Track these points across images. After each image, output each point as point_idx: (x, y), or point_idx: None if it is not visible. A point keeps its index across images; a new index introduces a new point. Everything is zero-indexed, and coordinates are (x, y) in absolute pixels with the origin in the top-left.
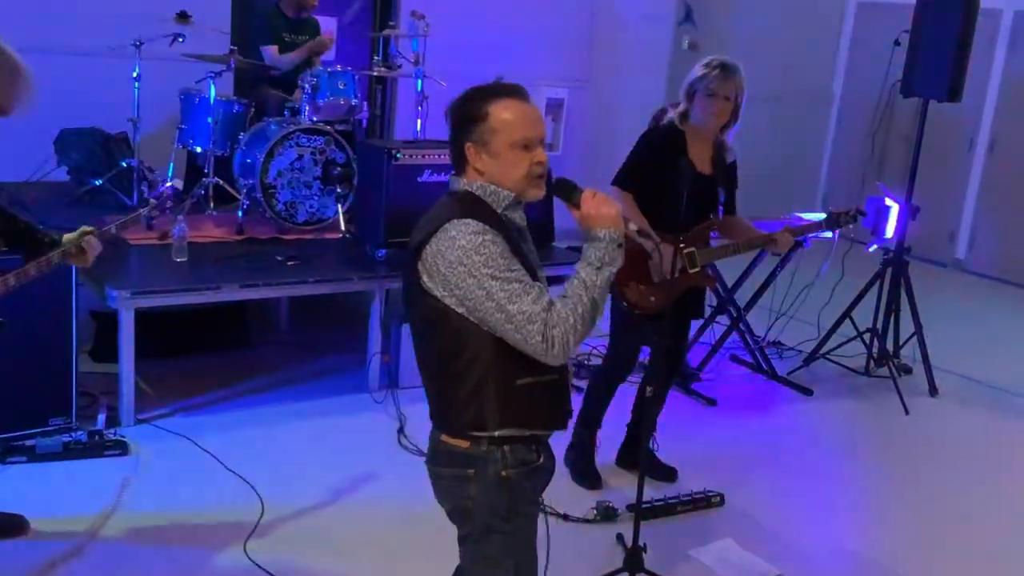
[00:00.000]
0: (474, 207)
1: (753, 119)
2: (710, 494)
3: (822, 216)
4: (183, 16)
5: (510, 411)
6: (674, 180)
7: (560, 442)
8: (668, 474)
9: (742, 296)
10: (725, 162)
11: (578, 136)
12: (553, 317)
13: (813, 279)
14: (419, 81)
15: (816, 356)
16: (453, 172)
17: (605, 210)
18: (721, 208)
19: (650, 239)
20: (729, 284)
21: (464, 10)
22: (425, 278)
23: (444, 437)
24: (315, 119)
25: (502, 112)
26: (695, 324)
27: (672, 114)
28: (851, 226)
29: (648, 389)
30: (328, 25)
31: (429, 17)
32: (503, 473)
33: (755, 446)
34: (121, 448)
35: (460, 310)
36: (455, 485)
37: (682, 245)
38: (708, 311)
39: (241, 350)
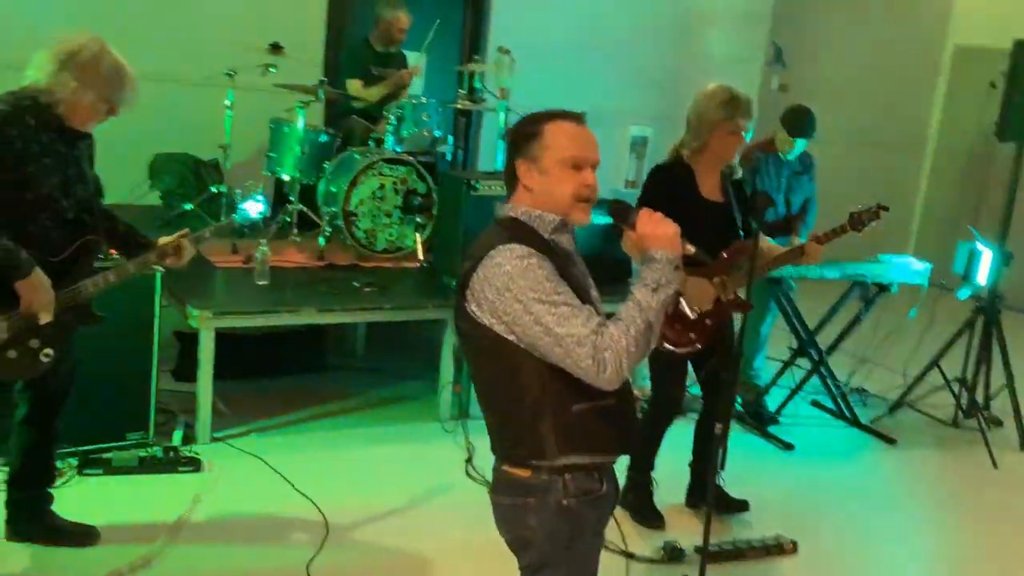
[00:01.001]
0: (519, 232)
1: (844, 162)
2: (783, 541)
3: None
4: (276, 47)
5: (568, 438)
6: (689, 215)
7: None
8: (739, 506)
9: (825, 340)
10: (732, 184)
11: None
12: (604, 339)
13: (900, 325)
14: (502, 115)
15: (901, 404)
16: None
17: (662, 230)
18: (741, 232)
19: (706, 258)
20: (811, 326)
21: (550, 47)
22: (473, 307)
23: (505, 467)
24: (398, 150)
25: (556, 130)
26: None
27: (672, 152)
28: (874, 224)
29: (718, 427)
30: (414, 59)
31: (517, 52)
32: (564, 502)
33: (832, 494)
34: (194, 465)
35: (510, 337)
36: (516, 514)
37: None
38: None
39: (317, 374)
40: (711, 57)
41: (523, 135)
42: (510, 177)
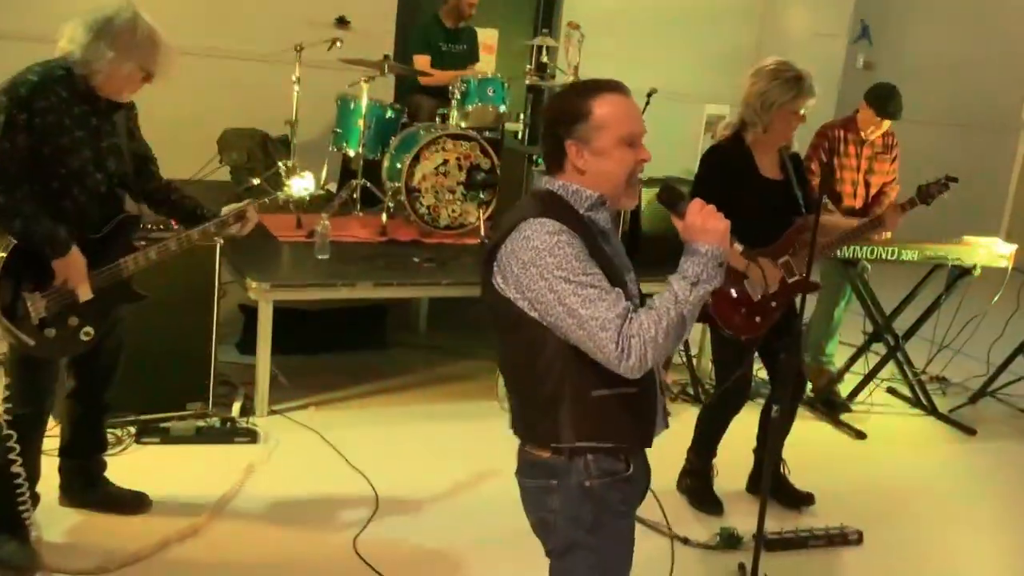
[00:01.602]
0: (554, 206)
1: (932, 143)
2: (847, 531)
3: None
4: (342, 22)
5: (584, 424)
6: (749, 195)
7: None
8: (803, 499)
9: (902, 325)
10: (792, 160)
11: None
12: (632, 326)
13: (983, 310)
14: None
15: (984, 394)
16: (543, 171)
17: (712, 223)
18: (804, 208)
19: (753, 261)
20: (887, 310)
21: (624, 22)
22: (499, 279)
23: (527, 447)
24: (463, 125)
25: (605, 107)
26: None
27: (727, 126)
28: (944, 195)
29: (775, 409)
30: (487, 36)
31: (589, 28)
32: (586, 483)
33: (905, 485)
34: (251, 436)
35: (533, 314)
36: (539, 497)
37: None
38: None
39: (379, 350)
40: (792, 33)
41: (569, 115)
42: (555, 155)
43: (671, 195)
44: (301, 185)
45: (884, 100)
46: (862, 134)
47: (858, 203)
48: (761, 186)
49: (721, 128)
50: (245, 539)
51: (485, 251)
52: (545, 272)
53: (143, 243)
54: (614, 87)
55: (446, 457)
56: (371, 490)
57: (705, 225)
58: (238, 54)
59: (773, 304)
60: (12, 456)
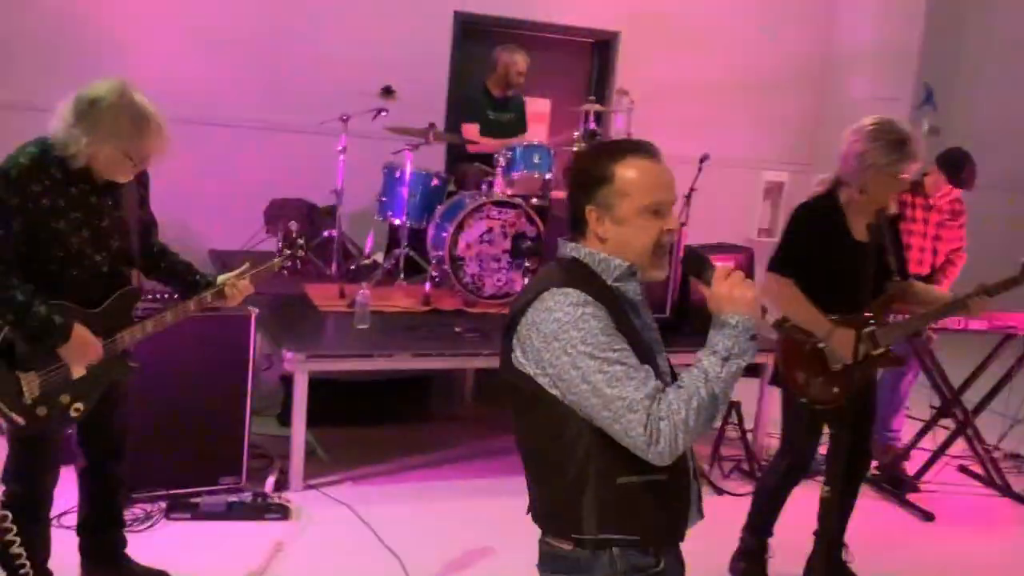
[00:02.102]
0: (579, 276)
1: (998, 210)
2: None
3: None
4: (388, 91)
5: (609, 513)
6: (840, 258)
7: (719, 546)
8: None
9: (972, 398)
10: (887, 222)
11: None
12: (661, 408)
13: None
14: None
15: None
16: (567, 238)
17: (739, 292)
18: (896, 275)
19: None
20: (956, 383)
21: (679, 90)
22: (518, 353)
23: (547, 538)
24: (508, 193)
25: (630, 172)
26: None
27: (821, 183)
28: None
29: (824, 489)
30: (540, 106)
31: (643, 96)
32: None
33: (977, 571)
34: (282, 512)
35: (554, 392)
36: None
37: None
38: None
39: (421, 422)
40: (854, 99)
41: (591, 178)
42: (576, 221)
43: (696, 263)
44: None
45: (957, 167)
46: (930, 200)
47: (924, 269)
48: (851, 249)
49: (815, 184)
50: None
51: (505, 322)
52: (569, 347)
53: (140, 316)
54: (642, 149)
55: (485, 537)
56: (402, 571)
57: (732, 294)
58: (285, 125)
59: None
60: (10, 537)
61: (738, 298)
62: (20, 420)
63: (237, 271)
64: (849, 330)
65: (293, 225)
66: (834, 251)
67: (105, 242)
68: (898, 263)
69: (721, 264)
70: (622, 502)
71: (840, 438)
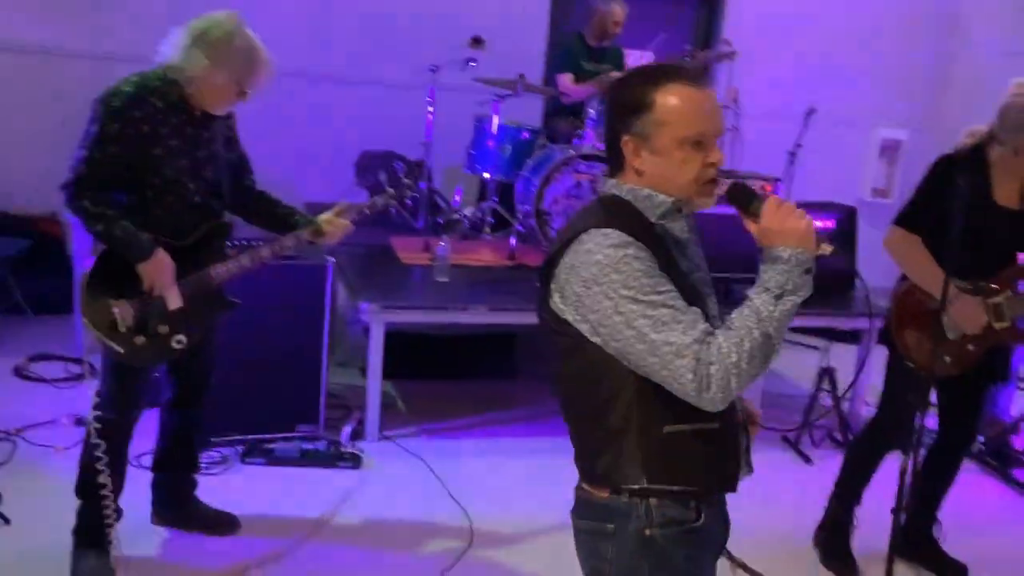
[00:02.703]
0: (621, 215)
1: None
2: None
3: None
4: (477, 41)
5: (654, 464)
6: (978, 220)
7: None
8: (956, 570)
9: None
10: None
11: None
12: (711, 351)
13: None
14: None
15: None
16: (606, 173)
17: (791, 223)
18: None
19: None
20: None
21: (790, 41)
22: (557, 298)
23: (584, 484)
24: (598, 146)
25: (670, 100)
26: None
27: (971, 134)
28: None
29: (904, 461)
30: (637, 59)
31: (753, 49)
32: (647, 532)
33: None
34: (354, 461)
35: (595, 339)
36: (593, 542)
37: (991, 296)
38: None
39: (505, 379)
40: (981, 52)
41: (628, 105)
42: (615, 153)
43: (742, 194)
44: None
45: None
46: None
47: None
48: (992, 212)
49: (964, 135)
50: (330, 566)
51: (542, 264)
52: (610, 291)
53: (234, 251)
54: (684, 75)
55: (550, 492)
56: (468, 522)
57: (785, 225)
58: (374, 79)
59: (970, 347)
60: (100, 466)
61: (790, 230)
62: (119, 348)
63: (335, 209)
64: (974, 299)
65: (383, 176)
66: (971, 212)
67: (200, 172)
68: None
69: (773, 196)
70: (670, 451)
71: (945, 408)
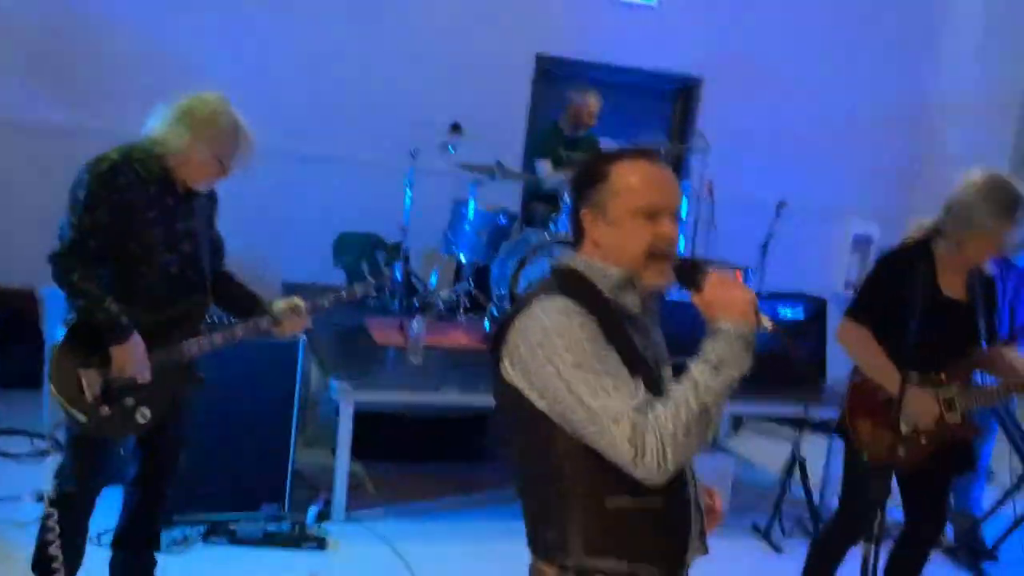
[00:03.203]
0: (572, 285)
1: None
2: None
3: None
4: (456, 128)
5: (597, 538)
6: (924, 312)
7: None
8: None
9: None
10: (982, 284)
11: None
12: (648, 420)
13: None
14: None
15: None
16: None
17: (735, 295)
18: (984, 341)
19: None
20: None
21: (765, 136)
22: (507, 363)
23: (535, 560)
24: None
25: (626, 173)
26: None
27: (919, 228)
28: None
29: (867, 546)
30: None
31: (728, 143)
32: None
33: None
34: (319, 543)
35: (540, 405)
36: None
37: (942, 389)
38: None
39: (476, 462)
40: (949, 150)
41: (587, 178)
42: (576, 227)
43: (688, 268)
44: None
45: None
46: (1006, 259)
47: (1002, 332)
48: (938, 304)
49: (912, 229)
50: None
51: (494, 332)
52: (554, 355)
53: (207, 328)
54: (642, 153)
55: None
56: None
57: (727, 296)
58: (355, 160)
59: (923, 441)
60: (50, 536)
61: (732, 302)
62: (81, 417)
63: (289, 300)
64: (926, 392)
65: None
66: (919, 304)
67: (176, 244)
68: (988, 327)
69: (716, 271)
70: (612, 527)
71: (910, 501)
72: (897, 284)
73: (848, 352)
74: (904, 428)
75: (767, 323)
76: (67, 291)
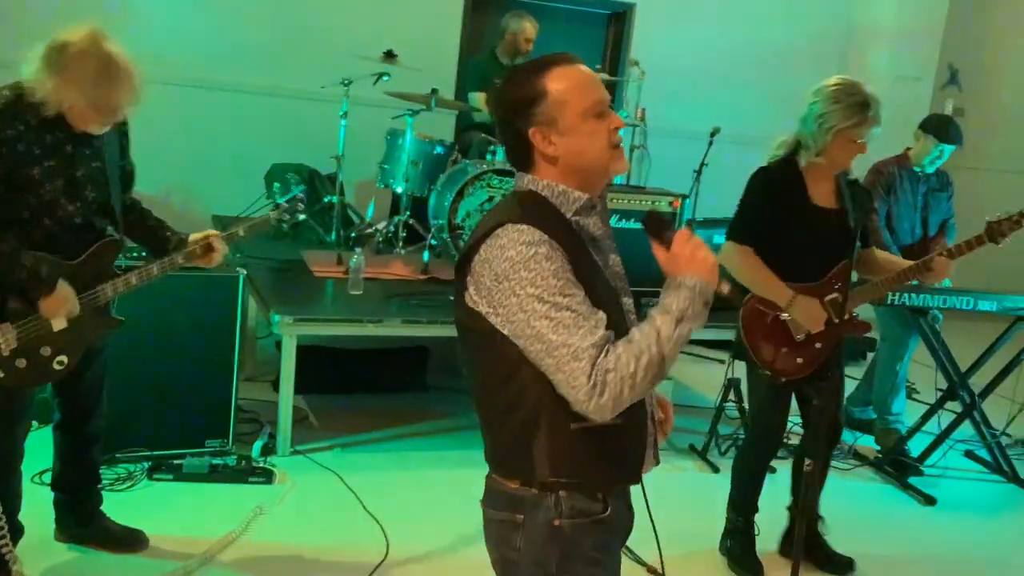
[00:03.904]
0: (536, 210)
1: (1019, 192)
2: None
3: None
4: (389, 55)
5: (561, 459)
6: (798, 223)
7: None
8: (841, 564)
9: (979, 381)
10: (848, 187)
11: None
12: (609, 359)
13: None
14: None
15: None
16: (518, 170)
17: (701, 254)
18: (858, 243)
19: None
20: (964, 366)
21: (694, 66)
22: (472, 290)
23: (495, 475)
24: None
25: (560, 82)
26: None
27: (780, 146)
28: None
29: (807, 463)
30: None
31: (658, 71)
32: (556, 523)
33: (976, 557)
34: (266, 476)
35: (505, 331)
36: (503, 532)
37: (827, 294)
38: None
39: (417, 393)
40: (875, 77)
41: (523, 99)
42: (520, 150)
43: (656, 222)
44: (301, 193)
45: (943, 127)
46: (916, 170)
47: (916, 242)
48: (811, 214)
49: (774, 148)
50: None
51: (459, 258)
52: (517, 288)
53: (122, 269)
54: (563, 59)
55: (464, 504)
56: (383, 535)
57: (695, 255)
58: (287, 91)
59: (818, 345)
60: None
61: (699, 261)
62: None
63: (203, 233)
64: (812, 299)
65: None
66: (792, 216)
67: (80, 192)
68: (861, 229)
69: (684, 229)
70: (575, 447)
71: (811, 409)
72: (769, 200)
73: (734, 274)
74: (798, 337)
75: (725, 288)
76: None
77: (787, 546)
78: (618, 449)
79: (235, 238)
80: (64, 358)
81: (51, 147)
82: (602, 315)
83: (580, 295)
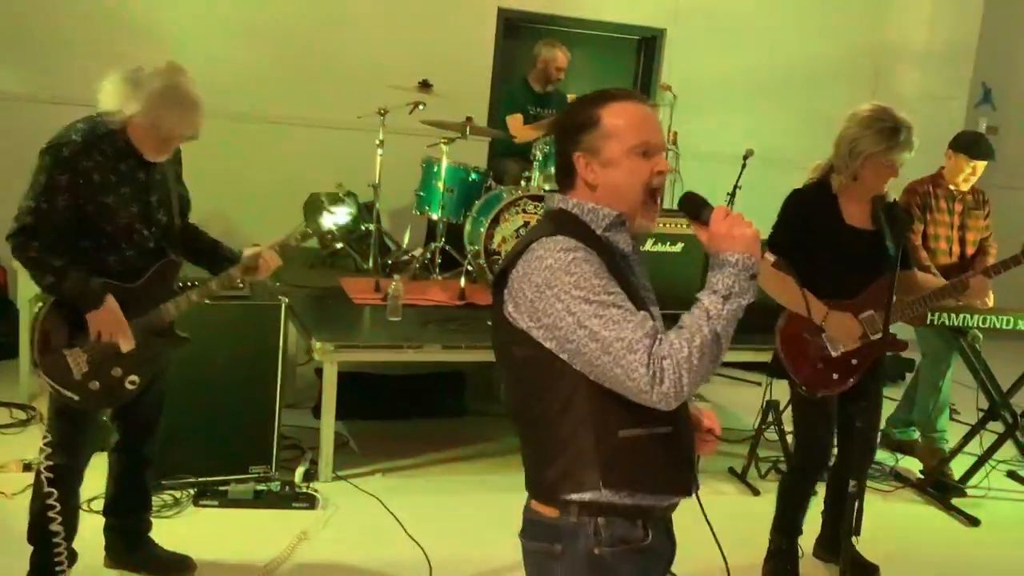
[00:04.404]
0: (568, 225)
1: None
2: None
3: None
4: (425, 85)
5: (613, 469)
6: (833, 243)
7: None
8: (868, 570)
9: (1020, 401)
10: (886, 210)
11: None
12: (663, 347)
13: None
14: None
15: None
16: (557, 190)
17: (739, 231)
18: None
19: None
20: (1005, 386)
21: (724, 88)
22: (511, 307)
23: (533, 503)
24: (545, 188)
25: (616, 116)
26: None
27: (815, 169)
28: None
29: (852, 484)
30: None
31: (689, 95)
32: (595, 551)
33: None
34: (309, 501)
35: (549, 344)
36: (542, 563)
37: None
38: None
39: (455, 417)
40: (905, 97)
41: (577, 124)
42: (565, 171)
43: (694, 202)
44: (331, 220)
45: (973, 143)
46: (951, 188)
47: (953, 260)
48: (846, 235)
49: (810, 171)
50: None
51: (494, 278)
52: (562, 293)
53: (183, 287)
54: (627, 95)
55: (510, 533)
56: (426, 562)
57: (732, 232)
58: (324, 121)
59: (854, 362)
60: (52, 513)
61: (738, 236)
62: (74, 396)
63: (259, 247)
64: (846, 313)
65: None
66: (827, 236)
67: (153, 217)
68: (900, 251)
69: (721, 206)
70: (626, 456)
71: (853, 429)
72: (803, 221)
73: (769, 292)
74: (833, 353)
75: (770, 257)
76: (30, 270)
77: (821, 548)
78: (667, 459)
79: (286, 246)
80: (136, 377)
81: (125, 175)
82: (645, 312)
83: (622, 293)
